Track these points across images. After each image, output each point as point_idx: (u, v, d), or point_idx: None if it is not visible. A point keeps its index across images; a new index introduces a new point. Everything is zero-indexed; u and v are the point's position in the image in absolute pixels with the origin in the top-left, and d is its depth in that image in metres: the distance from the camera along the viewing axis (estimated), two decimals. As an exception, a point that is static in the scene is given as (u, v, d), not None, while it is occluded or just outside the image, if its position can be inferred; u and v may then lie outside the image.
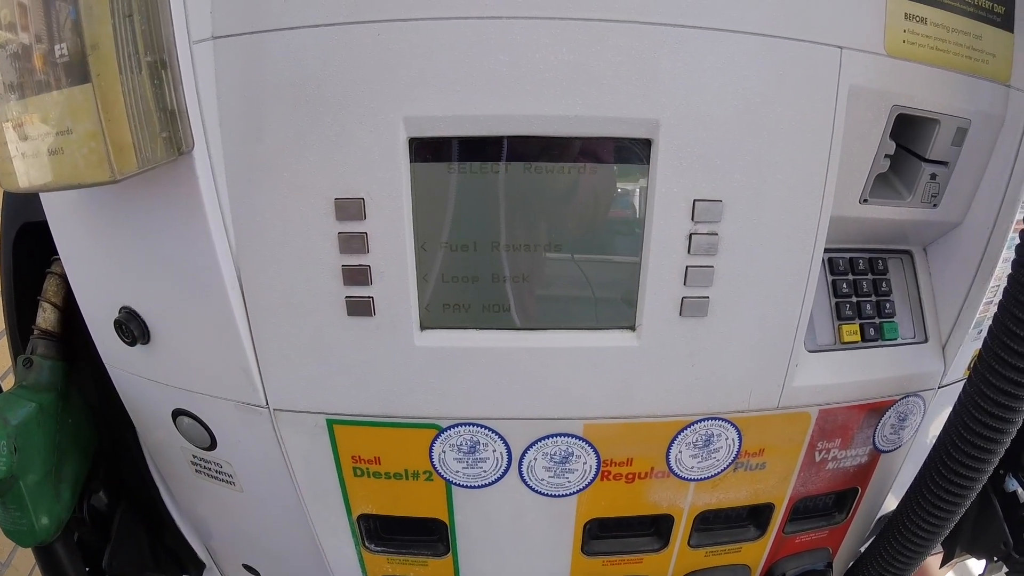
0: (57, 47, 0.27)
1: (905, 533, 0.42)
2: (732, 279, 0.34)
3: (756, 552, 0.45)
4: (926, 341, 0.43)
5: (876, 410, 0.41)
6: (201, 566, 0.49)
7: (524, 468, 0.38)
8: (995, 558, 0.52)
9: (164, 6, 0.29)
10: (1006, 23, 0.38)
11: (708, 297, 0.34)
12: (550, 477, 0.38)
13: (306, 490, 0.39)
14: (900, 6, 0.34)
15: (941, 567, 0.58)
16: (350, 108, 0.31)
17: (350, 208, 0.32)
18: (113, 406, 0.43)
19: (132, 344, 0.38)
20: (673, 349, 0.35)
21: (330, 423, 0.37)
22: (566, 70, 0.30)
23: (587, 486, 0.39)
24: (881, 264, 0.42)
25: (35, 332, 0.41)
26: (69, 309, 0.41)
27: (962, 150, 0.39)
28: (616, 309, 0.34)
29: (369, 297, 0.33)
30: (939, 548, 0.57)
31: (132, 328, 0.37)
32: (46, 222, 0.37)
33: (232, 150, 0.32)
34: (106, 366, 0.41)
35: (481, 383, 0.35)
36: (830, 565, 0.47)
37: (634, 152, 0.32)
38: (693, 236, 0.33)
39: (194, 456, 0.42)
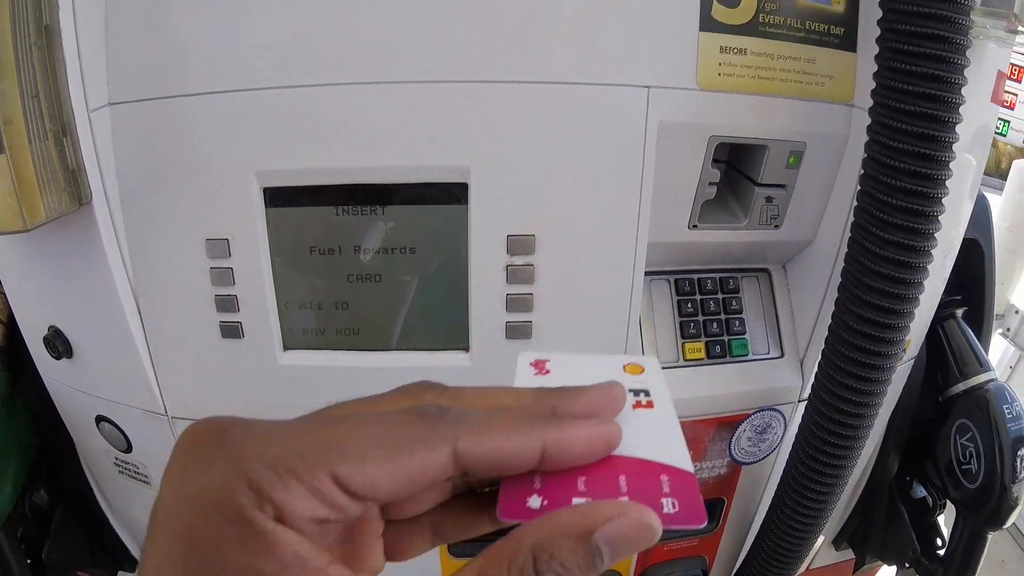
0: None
1: (774, 540, 0.47)
2: (552, 305, 0.41)
3: (623, 560, 0.51)
4: (782, 356, 0.48)
5: (727, 424, 0.47)
6: (135, 563, 0.59)
7: (384, 472, 0.45)
8: (906, 564, 0.56)
9: (64, 86, 0.38)
10: (847, 44, 0.42)
11: (531, 321, 0.41)
12: (408, 481, 0.46)
13: (204, 488, 0.48)
14: (714, 41, 0.39)
15: (854, 574, 0.62)
16: (215, 163, 0.39)
17: (218, 247, 0.41)
18: (52, 416, 0.53)
19: (59, 358, 0.48)
20: (503, 368, 0.42)
21: (217, 430, 0.46)
22: (389, 126, 0.37)
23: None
24: (732, 283, 0.48)
25: (-18, 345, 0.52)
26: (15, 325, 0.52)
27: (799, 172, 0.44)
28: (452, 332, 0.42)
29: (238, 322, 0.42)
30: (851, 554, 0.61)
31: (58, 344, 0.47)
32: (-3, 253, 0.47)
33: (128, 199, 0.42)
34: (42, 377, 0.52)
35: (337, 398, 0.43)
36: (706, 572, 0.52)
37: (454, 195, 0.39)
38: (510, 268, 0.40)
39: (116, 458, 0.52)
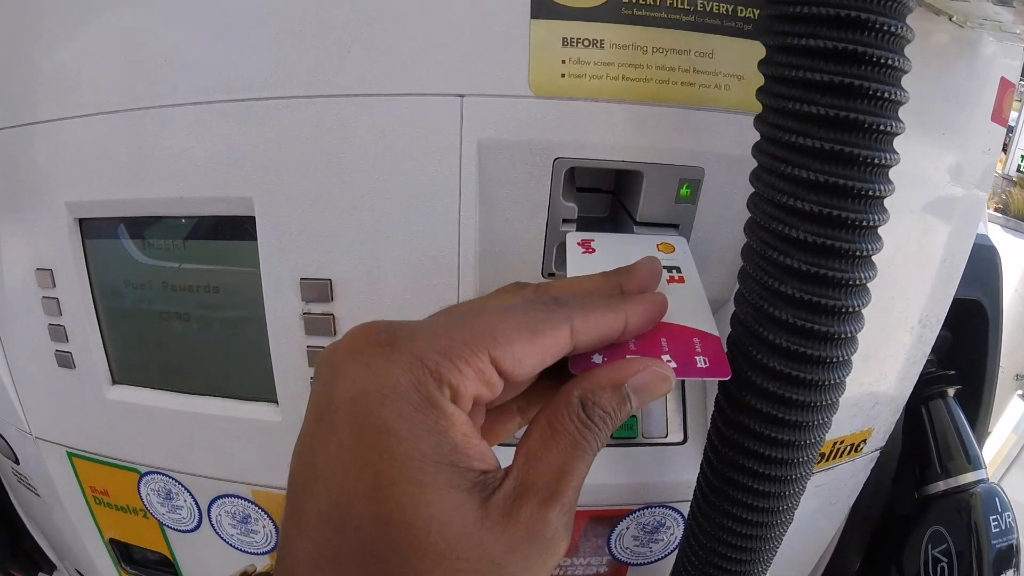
0: None
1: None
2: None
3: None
4: (684, 442, 0.38)
5: (602, 519, 0.38)
6: (52, 567, 0.63)
7: (214, 521, 0.43)
8: None
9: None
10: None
11: (340, 376, 0.35)
12: (238, 534, 0.43)
13: (70, 510, 0.49)
14: (553, 31, 0.29)
15: None
16: (33, 195, 0.38)
17: (44, 278, 0.40)
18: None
19: (-49, 370, 0.51)
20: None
21: (69, 455, 0.46)
22: (174, 154, 0.33)
23: (274, 548, 0.42)
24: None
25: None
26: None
27: (698, 207, 0.34)
28: (260, 382, 0.37)
29: (69, 352, 0.41)
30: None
31: (-53, 357, 0.50)
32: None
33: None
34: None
35: (164, 437, 0.41)
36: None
37: (247, 229, 0.34)
38: (307, 316, 0.34)
39: (12, 468, 0.54)
